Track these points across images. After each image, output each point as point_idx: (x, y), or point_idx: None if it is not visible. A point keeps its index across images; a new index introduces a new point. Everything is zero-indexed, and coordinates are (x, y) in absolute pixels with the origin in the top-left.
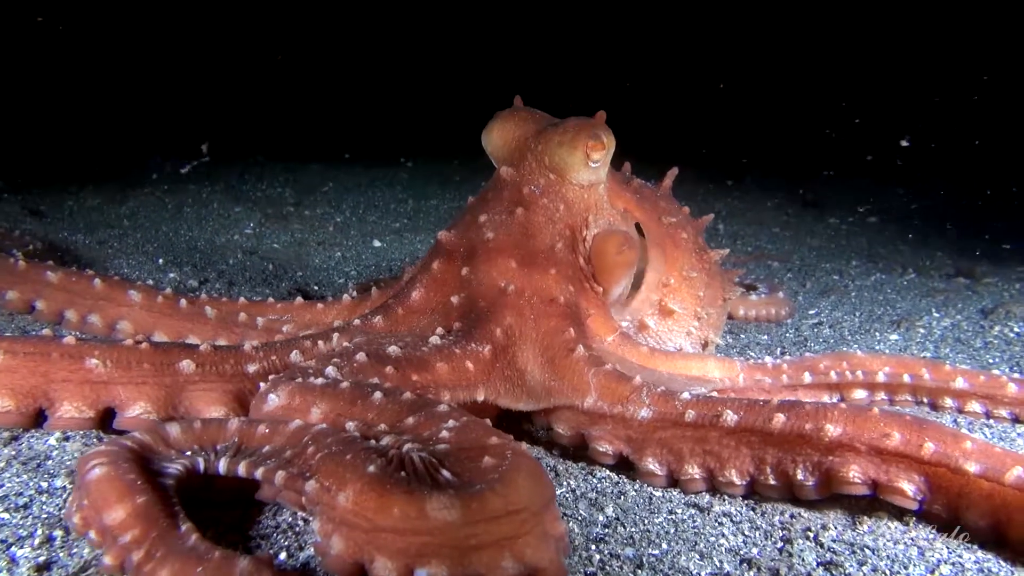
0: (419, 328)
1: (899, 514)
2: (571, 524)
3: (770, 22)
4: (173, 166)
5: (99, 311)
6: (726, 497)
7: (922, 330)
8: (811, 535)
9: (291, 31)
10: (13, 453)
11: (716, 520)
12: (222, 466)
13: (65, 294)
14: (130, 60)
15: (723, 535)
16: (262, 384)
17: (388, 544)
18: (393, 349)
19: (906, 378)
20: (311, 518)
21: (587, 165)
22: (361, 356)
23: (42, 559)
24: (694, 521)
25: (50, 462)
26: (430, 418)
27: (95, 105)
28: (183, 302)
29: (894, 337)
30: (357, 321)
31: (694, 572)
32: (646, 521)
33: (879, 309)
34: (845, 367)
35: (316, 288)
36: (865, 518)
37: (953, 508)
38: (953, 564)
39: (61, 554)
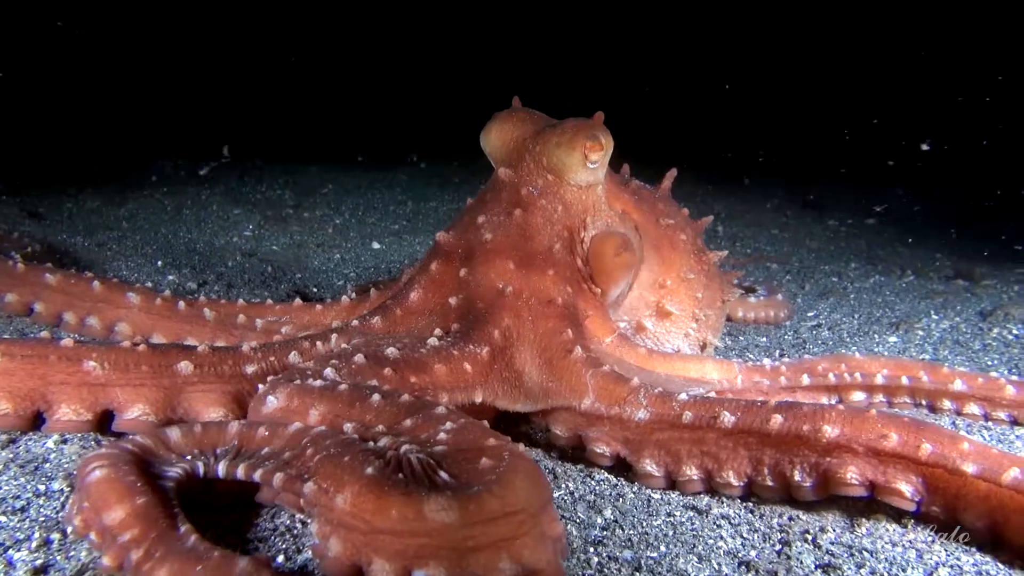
0: (417, 329)
1: (897, 516)
2: (569, 527)
3: (770, 24)
4: (192, 167)
5: (97, 313)
6: (724, 499)
7: (921, 332)
8: (809, 537)
9: (291, 33)
10: (11, 456)
11: (714, 523)
12: (221, 469)
13: (64, 296)
14: (129, 62)
15: (721, 538)
16: (260, 386)
17: (386, 546)
18: (391, 351)
19: (904, 380)
20: (309, 520)
21: (585, 166)
22: (359, 358)
23: (39, 562)
24: (692, 524)
25: (48, 465)
26: (428, 420)
27: (94, 107)
28: (182, 304)
29: (893, 339)
30: (355, 322)
31: (692, 575)
32: (644, 524)
33: (878, 311)
34: (843, 369)
35: (315, 290)
36: (863, 520)
37: (950, 509)
38: (951, 567)
39: (58, 557)
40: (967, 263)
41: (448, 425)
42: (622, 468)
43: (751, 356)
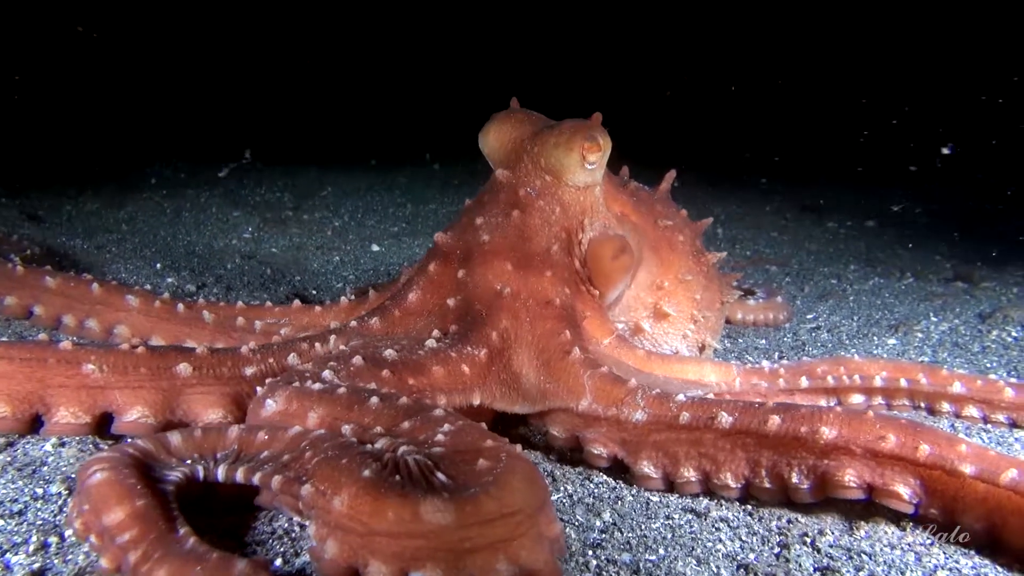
0: (415, 330)
1: (896, 519)
2: (568, 529)
3: (771, 26)
4: (191, 169)
5: (96, 316)
6: (723, 502)
7: (920, 334)
8: (808, 540)
9: (290, 36)
10: (8, 459)
11: (713, 525)
12: (221, 473)
13: (63, 299)
14: (128, 65)
15: (720, 540)
16: (259, 388)
17: (382, 548)
18: (389, 353)
19: (903, 383)
20: (307, 523)
21: (583, 167)
22: (358, 360)
23: (37, 566)
24: (691, 526)
25: (45, 468)
26: (426, 422)
27: (93, 109)
28: (181, 306)
29: (892, 341)
30: (354, 323)
31: None
32: (643, 526)
33: (877, 313)
34: (842, 372)
35: (314, 292)
36: (862, 523)
37: (948, 512)
38: (950, 570)
39: (56, 561)
40: (966, 265)
41: (446, 427)
42: (620, 470)
43: (750, 358)
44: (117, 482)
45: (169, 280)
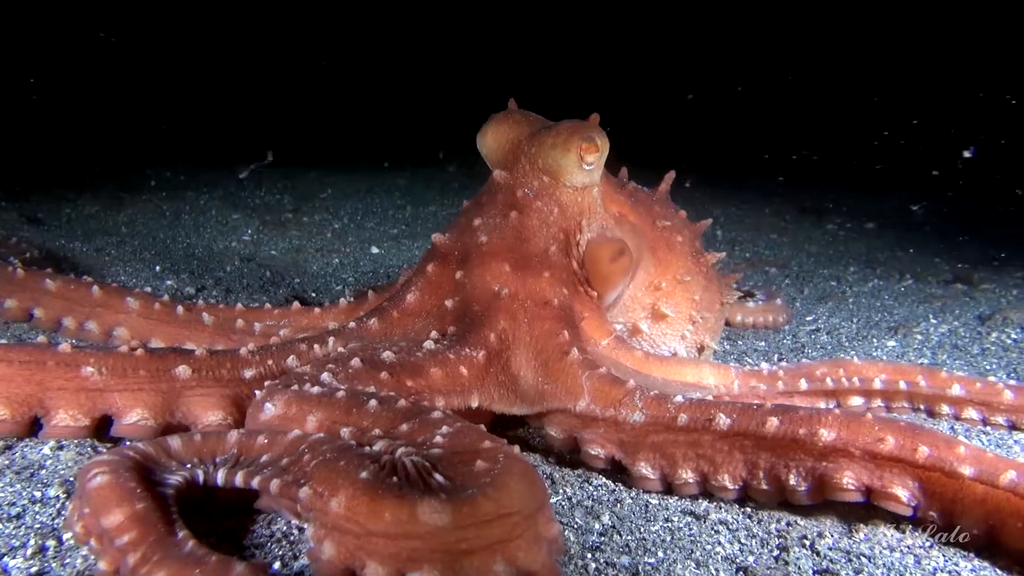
0: (414, 331)
1: (895, 522)
2: (567, 532)
3: (772, 28)
4: (190, 171)
5: (96, 318)
6: (722, 505)
7: (919, 336)
8: (807, 543)
9: (290, 38)
10: (7, 462)
11: (712, 528)
12: (220, 477)
13: (63, 302)
14: (127, 67)
15: (719, 543)
16: (257, 392)
17: (379, 549)
18: (387, 355)
19: (902, 385)
20: (306, 526)
21: (581, 167)
22: (356, 362)
23: (34, 569)
24: (690, 529)
25: (44, 471)
26: (424, 424)
27: (93, 112)
28: (180, 309)
29: (891, 343)
30: (352, 324)
31: None
32: (642, 529)
33: (877, 315)
34: (841, 374)
35: (314, 295)
36: (861, 526)
37: (947, 514)
38: (949, 572)
39: (54, 564)
40: (966, 267)
41: (444, 429)
42: (617, 471)
43: (749, 360)
44: (117, 485)
45: (168, 283)
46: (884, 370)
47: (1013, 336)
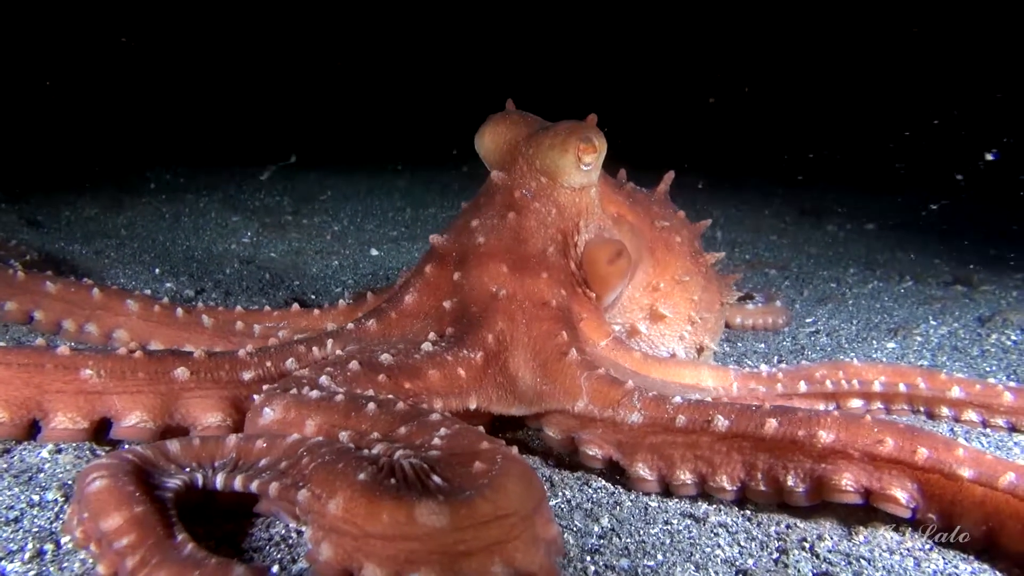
0: (412, 332)
1: (895, 524)
2: (566, 535)
3: (772, 30)
4: (189, 174)
5: (96, 321)
6: (722, 507)
7: (919, 338)
8: (807, 545)
9: (290, 40)
10: (5, 466)
11: (712, 531)
12: (219, 481)
13: (63, 304)
14: (127, 70)
15: (719, 546)
16: (256, 397)
17: (377, 551)
18: (386, 357)
19: (902, 387)
20: (304, 528)
21: (578, 168)
22: (354, 365)
23: (32, 573)
24: (690, 532)
25: (42, 475)
26: (422, 427)
27: (93, 114)
28: (180, 311)
29: (891, 345)
30: (351, 325)
31: None
32: (641, 532)
33: (876, 317)
34: (841, 376)
35: (313, 297)
36: (861, 528)
37: (946, 515)
38: (949, 575)
39: (52, 568)
40: (966, 269)
41: (442, 431)
42: (615, 472)
43: (749, 362)
44: (116, 489)
45: (168, 285)
46: (884, 372)
47: (1013, 338)
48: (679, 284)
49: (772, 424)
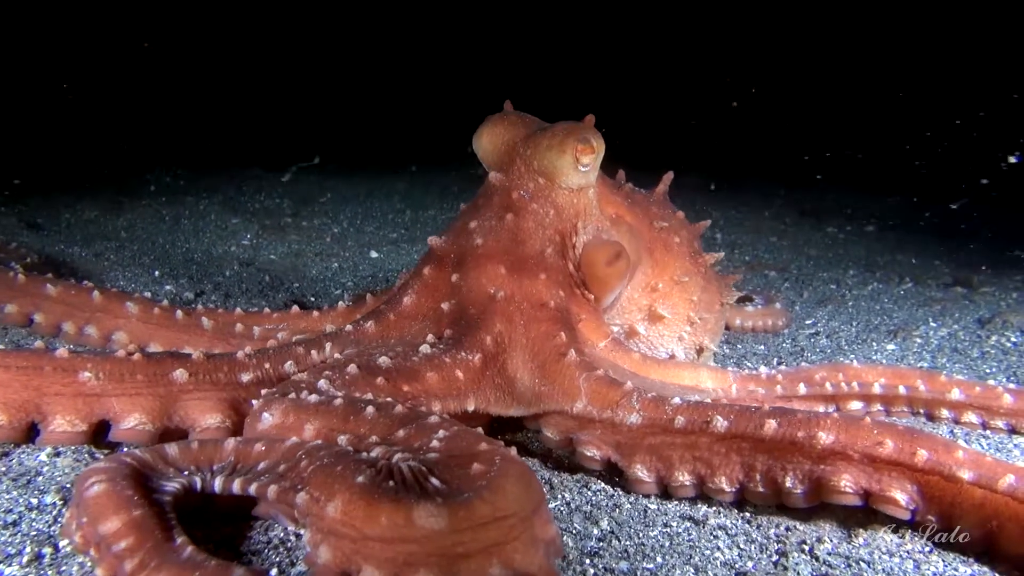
0: (410, 334)
1: (895, 527)
2: (565, 538)
3: (772, 31)
4: (190, 176)
5: (96, 323)
6: (721, 510)
7: (919, 340)
8: (806, 548)
9: (290, 42)
10: (3, 469)
11: (711, 533)
12: (218, 484)
13: (63, 307)
14: (127, 72)
15: (718, 548)
16: (254, 402)
17: (376, 553)
18: (384, 360)
19: (902, 390)
20: (303, 531)
21: (576, 169)
22: (352, 368)
23: None
24: (689, 534)
25: (40, 478)
26: (421, 429)
27: (92, 116)
28: (179, 313)
29: (891, 347)
30: (349, 327)
31: None
32: (641, 535)
33: (876, 319)
34: (841, 378)
35: (313, 299)
36: (861, 531)
37: (945, 517)
38: None
39: (50, 572)
40: (965, 270)
41: (441, 433)
42: (614, 474)
43: (749, 364)
44: (114, 493)
45: (167, 288)
46: (883, 374)
47: (1013, 339)
48: (678, 285)
49: (771, 425)
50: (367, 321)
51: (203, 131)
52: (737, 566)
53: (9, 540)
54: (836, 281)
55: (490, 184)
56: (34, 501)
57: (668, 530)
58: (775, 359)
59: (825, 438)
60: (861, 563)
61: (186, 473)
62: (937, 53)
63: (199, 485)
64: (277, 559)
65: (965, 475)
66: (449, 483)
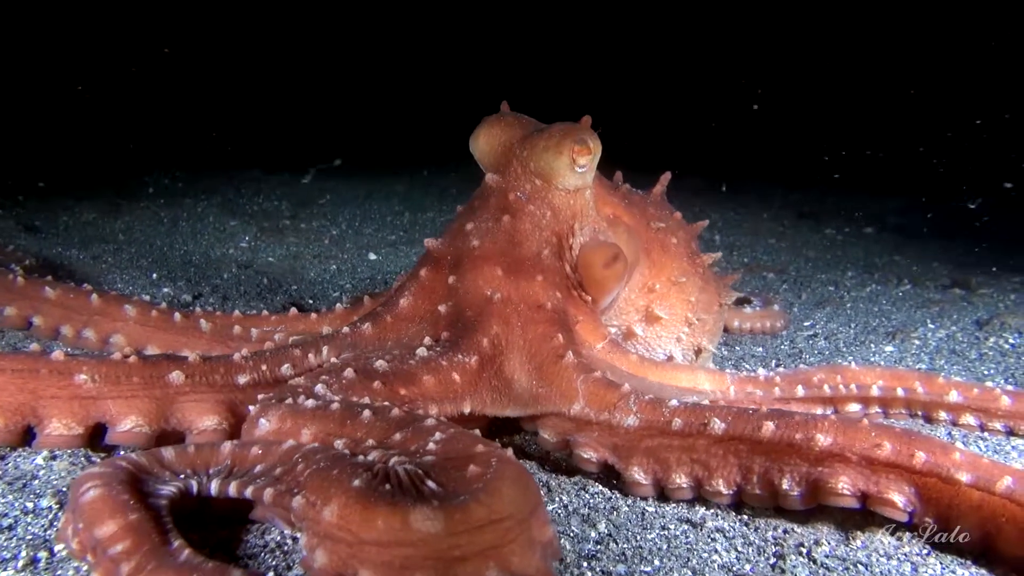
0: (407, 337)
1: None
2: (563, 540)
3: (772, 32)
4: (188, 178)
5: (94, 326)
6: (719, 512)
7: (917, 341)
8: (804, 551)
9: (290, 43)
10: None
11: (709, 536)
12: (214, 487)
13: (62, 310)
14: (126, 73)
15: (716, 551)
16: (251, 408)
17: (372, 557)
18: (380, 363)
19: (900, 392)
20: (299, 535)
21: (573, 170)
22: (349, 372)
23: None
24: (687, 537)
25: (36, 482)
26: (417, 433)
27: (91, 118)
28: (177, 316)
29: (889, 348)
30: (346, 329)
31: None
32: (639, 537)
33: (874, 320)
34: (839, 380)
35: (311, 302)
36: (858, 533)
37: (943, 519)
38: None
39: None
40: (964, 272)
41: (437, 436)
42: (611, 476)
43: (747, 366)
44: (110, 497)
45: (165, 290)
46: (882, 376)
47: (1011, 341)
48: (675, 285)
49: (769, 427)
50: (364, 323)
51: (201, 133)
52: (735, 569)
53: (4, 544)
54: (834, 283)
55: (487, 186)
56: (30, 505)
57: (666, 533)
58: (773, 361)
59: (823, 440)
60: (859, 565)
61: (182, 476)
62: (937, 53)
63: (195, 488)
64: (273, 563)
65: (963, 477)
66: (445, 486)
